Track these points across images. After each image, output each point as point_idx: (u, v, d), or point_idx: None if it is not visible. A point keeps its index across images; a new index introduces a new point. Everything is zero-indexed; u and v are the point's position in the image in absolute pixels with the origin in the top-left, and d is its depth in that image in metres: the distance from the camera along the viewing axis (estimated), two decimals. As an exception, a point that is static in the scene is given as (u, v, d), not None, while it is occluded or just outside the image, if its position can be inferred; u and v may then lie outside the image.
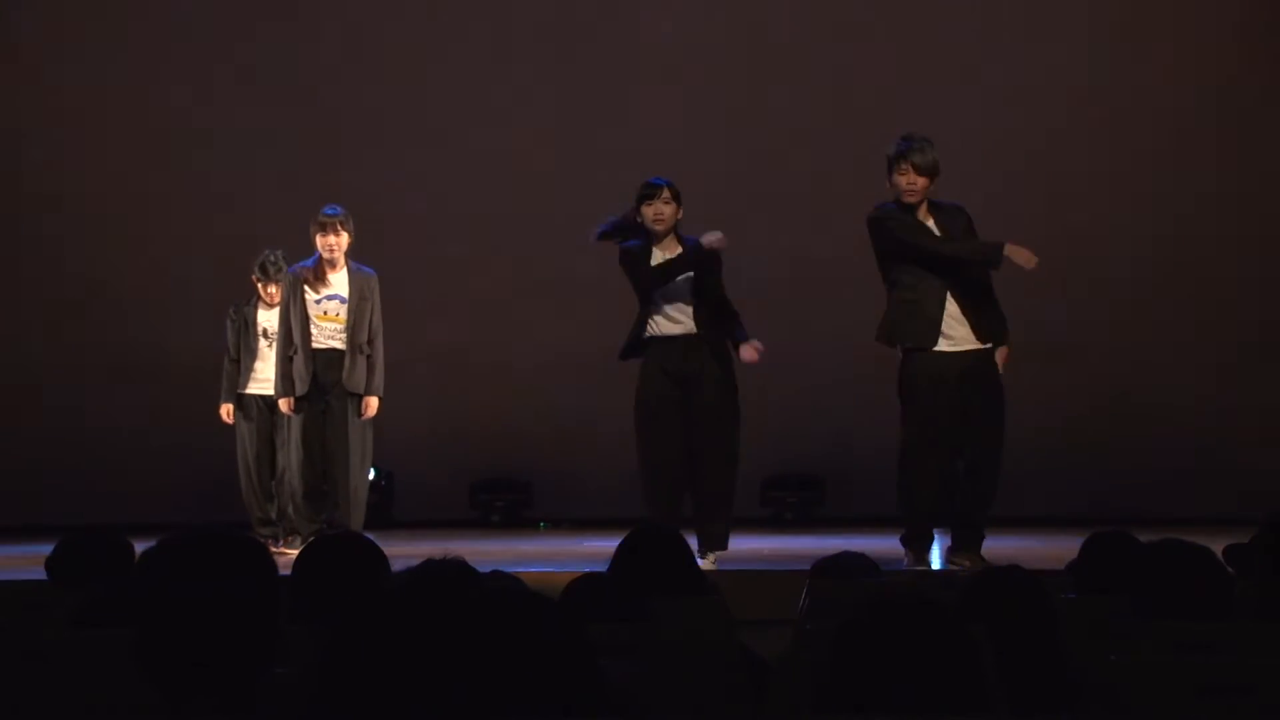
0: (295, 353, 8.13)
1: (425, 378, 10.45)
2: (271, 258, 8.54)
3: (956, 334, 7.06)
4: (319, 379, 8.13)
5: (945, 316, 7.04)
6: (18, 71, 10.58)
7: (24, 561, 7.84)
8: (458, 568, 3.73)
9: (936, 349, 7.05)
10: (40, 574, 4.41)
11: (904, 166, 7.03)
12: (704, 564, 7.00)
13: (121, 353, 10.47)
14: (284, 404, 8.15)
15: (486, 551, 8.05)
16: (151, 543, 2.97)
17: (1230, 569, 3.95)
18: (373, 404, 8.16)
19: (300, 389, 8.11)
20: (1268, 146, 10.32)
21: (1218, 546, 4.04)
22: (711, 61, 10.50)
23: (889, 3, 10.56)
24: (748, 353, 7.29)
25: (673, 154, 9.97)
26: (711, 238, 7.20)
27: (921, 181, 7.03)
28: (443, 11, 10.65)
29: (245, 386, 8.70)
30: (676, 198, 7.26)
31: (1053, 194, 10.23)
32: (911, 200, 7.06)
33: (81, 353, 10.50)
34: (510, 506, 10.66)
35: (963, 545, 7.14)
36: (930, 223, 7.09)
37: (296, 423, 8.13)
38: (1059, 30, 10.43)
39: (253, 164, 10.41)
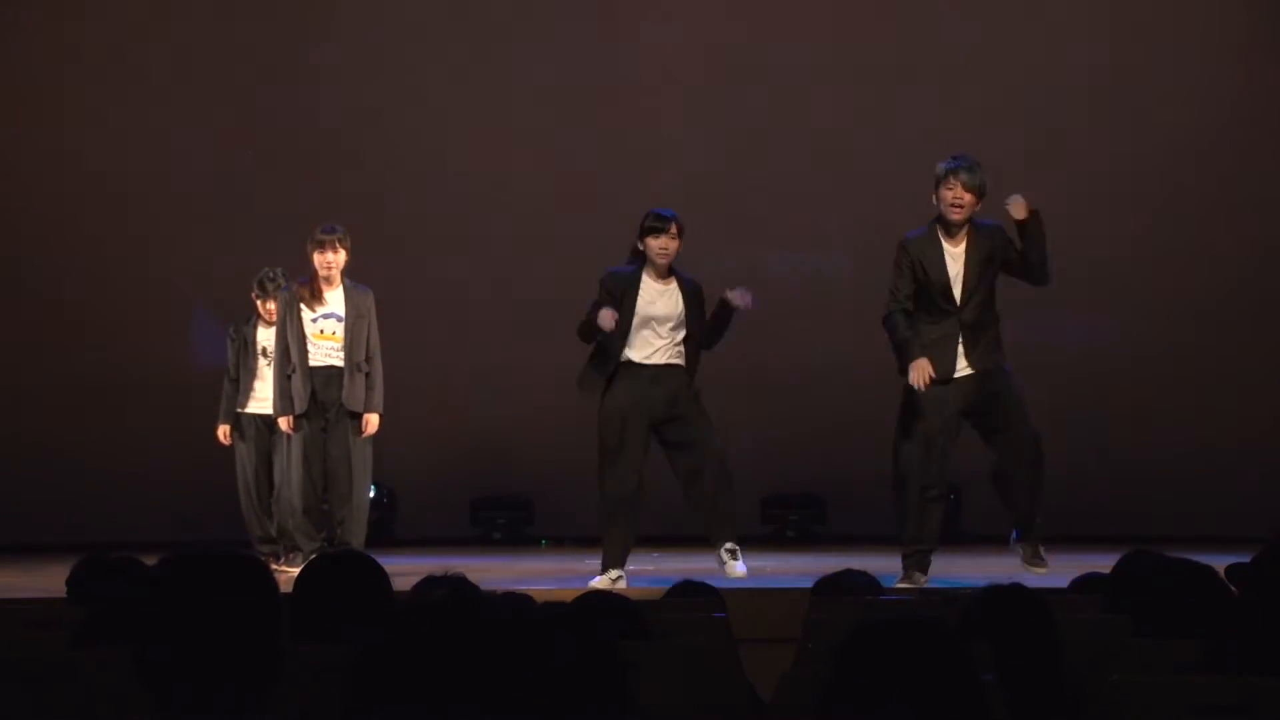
0: (293, 371, 8.13)
1: (427, 395, 10.44)
2: (270, 274, 8.57)
3: (960, 363, 7.10)
4: (318, 397, 8.13)
5: (956, 348, 7.06)
6: (17, 87, 10.59)
7: (27, 580, 7.83)
8: (460, 584, 3.73)
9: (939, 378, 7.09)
10: (44, 593, 4.41)
11: (952, 182, 7.02)
12: (730, 563, 7.08)
13: (122, 372, 10.47)
14: (284, 423, 8.14)
15: (488, 569, 8.04)
16: (152, 561, 2.97)
17: (1233, 588, 3.94)
18: (373, 421, 8.16)
19: (299, 407, 8.11)
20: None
21: (1220, 565, 4.04)
22: (714, 81, 10.51)
23: (892, 8, 10.57)
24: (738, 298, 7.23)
25: (673, 172, 9.98)
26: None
27: (968, 199, 7.02)
28: (447, 30, 10.66)
29: (244, 405, 8.70)
30: (681, 233, 7.29)
31: (1055, 196, 10.22)
32: (956, 217, 7.04)
33: (81, 372, 10.50)
34: (512, 524, 10.66)
35: (1022, 536, 7.28)
36: (963, 246, 7.05)
37: (297, 441, 8.12)
38: (1066, 41, 10.44)
39: (254, 183, 10.42)
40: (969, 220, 7.07)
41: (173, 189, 10.53)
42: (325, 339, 8.13)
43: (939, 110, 10.27)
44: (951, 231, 7.07)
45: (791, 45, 10.49)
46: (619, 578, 7.16)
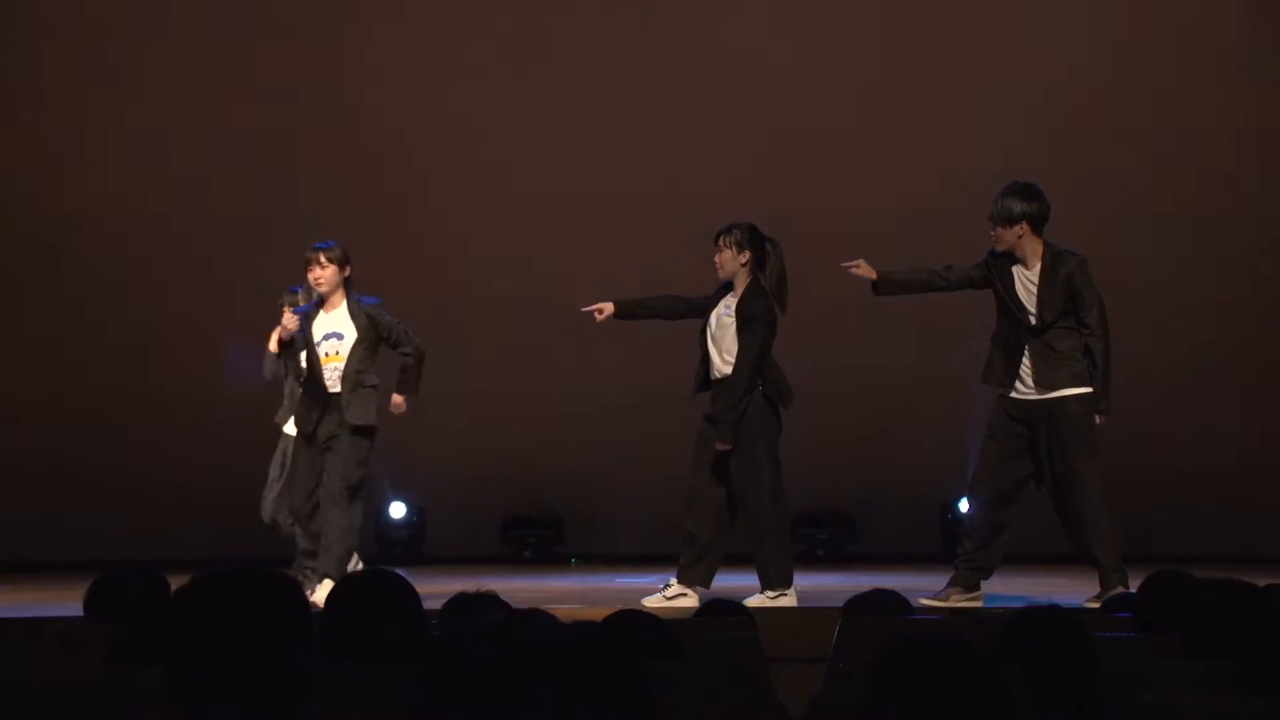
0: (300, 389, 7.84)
1: (459, 414, 10.46)
2: (291, 289, 8.40)
3: (1029, 381, 7.08)
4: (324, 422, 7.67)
5: (1022, 363, 7.05)
6: (55, 98, 10.65)
7: (58, 598, 7.86)
8: (492, 602, 3.72)
9: (1014, 394, 7.08)
10: (75, 610, 4.42)
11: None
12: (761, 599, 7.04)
13: (159, 390, 10.51)
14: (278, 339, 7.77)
15: (518, 588, 8.04)
16: (185, 579, 2.97)
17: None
18: (399, 402, 7.74)
19: (300, 427, 7.78)
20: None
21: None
22: (756, 96, 10.50)
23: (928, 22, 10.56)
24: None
25: (714, 189, 9.97)
26: None
27: (998, 231, 7.07)
28: (490, 48, 10.66)
29: (284, 421, 8.48)
30: (726, 245, 7.35)
31: (1077, 230, 10.21)
32: (999, 249, 7.11)
33: (118, 391, 10.54)
34: (542, 543, 10.67)
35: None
36: (1033, 272, 7.05)
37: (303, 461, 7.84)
38: (1078, 51, 10.43)
39: (296, 201, 10.37)
40: (1043, 247, 7.06)
41: (209, 220, 10.54)
42: (330, 361, 7.68)
43: (961, 117, 10.27)
44: (1022, 258, 7.09)
45: (836, 49, 10.49)
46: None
